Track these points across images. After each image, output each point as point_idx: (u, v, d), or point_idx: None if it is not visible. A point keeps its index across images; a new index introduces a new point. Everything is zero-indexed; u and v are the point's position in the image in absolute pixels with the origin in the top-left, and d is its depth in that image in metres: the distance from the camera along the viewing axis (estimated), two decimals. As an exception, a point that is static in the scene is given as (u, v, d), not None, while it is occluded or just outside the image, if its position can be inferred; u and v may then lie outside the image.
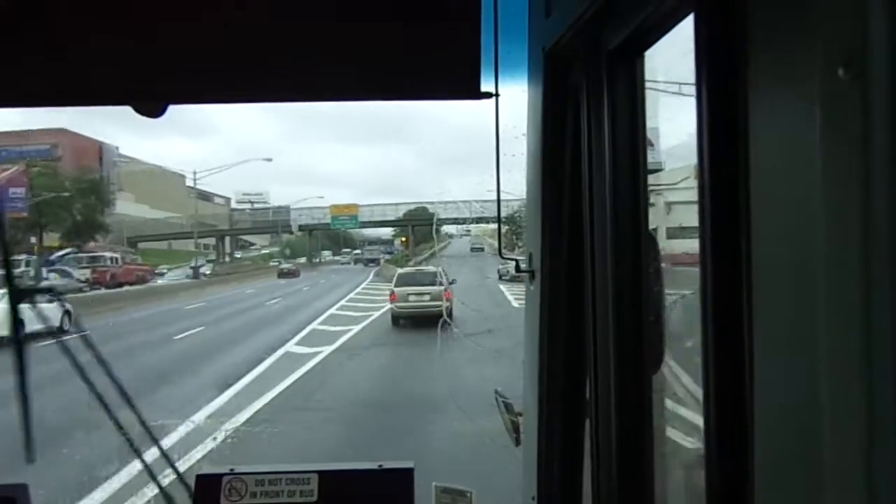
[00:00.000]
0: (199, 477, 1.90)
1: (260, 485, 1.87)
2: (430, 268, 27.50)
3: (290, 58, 1.58)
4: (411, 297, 23.14)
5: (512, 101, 1.72)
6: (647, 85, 1.39)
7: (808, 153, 0.68)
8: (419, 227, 73.39)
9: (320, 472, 1.88)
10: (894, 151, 0.59)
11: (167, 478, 1.96)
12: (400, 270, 27.27)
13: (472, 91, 1.57)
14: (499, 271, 36.94)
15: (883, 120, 0.59)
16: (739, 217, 0.83)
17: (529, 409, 1.81)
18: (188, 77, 1.59)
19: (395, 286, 24.12)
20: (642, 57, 1.35)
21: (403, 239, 61.23)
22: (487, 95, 1.58)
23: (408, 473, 1.87)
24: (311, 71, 1.60)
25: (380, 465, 1.90)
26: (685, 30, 1.03)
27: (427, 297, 22.86)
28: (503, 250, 2.34)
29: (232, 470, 1.90)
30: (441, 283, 23.69)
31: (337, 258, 78.70)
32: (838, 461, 0.65)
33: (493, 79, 1.57)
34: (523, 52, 1.76)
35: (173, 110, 1.62)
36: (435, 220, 60.62)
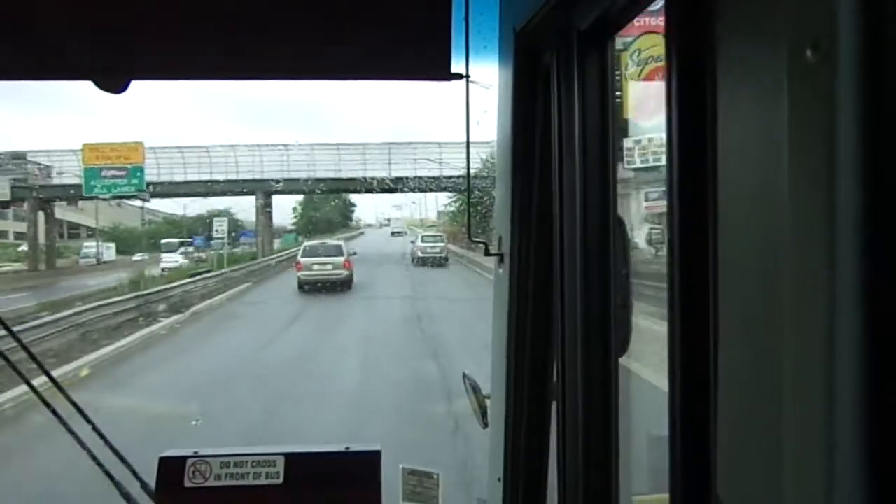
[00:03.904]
0: (162, 459, 1.87)
1: (225, 467, 1.85)
2: (334, 241, 29.26)
3: (254, 37, 1.53)
4: (315, 267, 25.19)
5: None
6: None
7: (775, 134, 0.68)
8: (319, 210, 46.81)
9: (287, 455, 1.87)
10: (861, 133, 0.59)
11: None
12: (306, 243, 28.71)
13: (441, 72, 1.54)
14: (412, 255, 32.44)
15: (850, 101, 0.60)
16: (707, 197, 0.84)
17: (497, 391, 1.82)
18: (151, 52, 1.53)
19: (301, 257, 25.99)
20: (613, 38, 1.35)
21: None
22: (457, 77, 1.55)
23: (375, 456, 1.87)
24: (275, 50, 1.56)
25: (347, 448, 1.91)
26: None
27: (329, 267, 25.26)
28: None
29: (196, 452, 1.88)
30: (343, 255, 26.10)
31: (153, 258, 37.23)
32: (799, 445, 0.66)
33: (464, 60, 1.55)
34: (494, 33, 1.73)
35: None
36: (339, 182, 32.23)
